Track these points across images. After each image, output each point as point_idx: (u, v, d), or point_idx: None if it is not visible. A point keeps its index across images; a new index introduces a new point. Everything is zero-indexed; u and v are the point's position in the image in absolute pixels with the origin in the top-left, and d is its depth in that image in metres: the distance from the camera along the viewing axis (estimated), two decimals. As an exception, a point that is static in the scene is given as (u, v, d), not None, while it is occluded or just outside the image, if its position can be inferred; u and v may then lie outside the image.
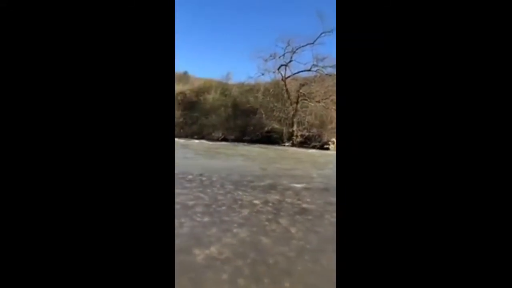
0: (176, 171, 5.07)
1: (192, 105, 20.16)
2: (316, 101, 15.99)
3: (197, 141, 15.52)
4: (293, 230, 2.61)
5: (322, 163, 8.57)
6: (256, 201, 3.55)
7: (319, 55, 16.62)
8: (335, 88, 11.05)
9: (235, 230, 2.49)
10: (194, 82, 24.24)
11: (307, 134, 15.65)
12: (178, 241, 2.21)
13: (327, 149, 13.84)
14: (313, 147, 14.37)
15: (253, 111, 17.77)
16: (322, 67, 16.47)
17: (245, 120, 17.73)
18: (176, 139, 15.86)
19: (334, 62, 13.90)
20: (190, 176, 4.85)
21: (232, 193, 3.91)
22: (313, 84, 16.69)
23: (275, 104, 17.13)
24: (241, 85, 19.85)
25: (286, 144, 15.50)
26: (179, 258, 1.92)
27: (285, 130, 16.19)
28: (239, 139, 16.58)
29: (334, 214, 2.28)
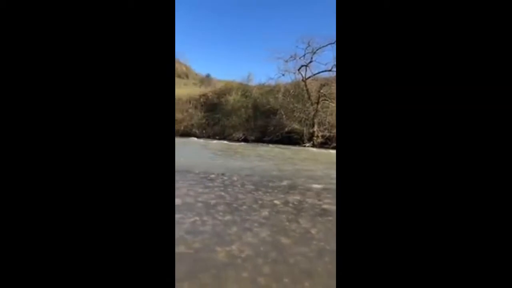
0: (197, 171, 5.15)
1: (214, 106, 20.50)
2: (337, 101, 15.64)
3: (214, 141, 15.73)
4: (313, 231, 2.60)
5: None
6: (276, 201, 3.56)
7: (340, 55, 16.29)
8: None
9: (255, 230, 2.52)
10: (216, 84, 24.73)
11: (328, 134, 15.39)
12: (200, 238, 2.28)
13: (349, 150, 13.48)
14: (334, 148, 14.09)
15: (273, 112, 17.76)
16: (344, 67, 16.09)
17: (265, 121, 17.74)
18: (196, 139, 16.23)
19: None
20: (212, 175, 4.96)
21: (252, 193, 3.94)
22: (333, 84, 16.36)
23: (296, 105, 17.00)
24: (261, 86, 19.93)
25: (307, 144, 15.33)
26: (201, 255, 1.98)
27: (305, 130, 16.02)
28: (259, 140, 16.62)
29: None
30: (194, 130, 19.34)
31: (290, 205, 3.45)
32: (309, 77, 17.29)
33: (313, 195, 4.02)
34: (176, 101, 21.74)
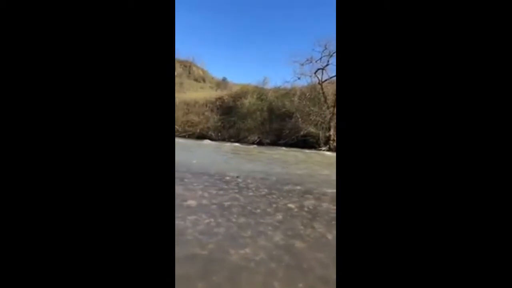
0: (212, 172, 5.20)
1: (230, 109, 20.73)
2: (355, 105, 15.39)
3: (228, 143, 15.81)
4: (329, 236, 2.54)
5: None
6: (291, 205, 3.52)
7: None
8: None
9: (269, 233, 2.50)
10: (232, 87, 25.04)
11: (345, 138, 15.14)
12: (214, 240, 2.28)
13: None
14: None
15: (289, 115, 17.70)
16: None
17: (280, 124, 17.72)
18: (209, 142, 16.39)
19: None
20: (227, 178, 4.98)
21: (267, 196, 3.92)
22: (351, 87, 16.11)
23: (312, 108, 16.87)
24: (277, 90, 19.97)
25: (323, 148, 15.14)
26: (214, 256, 1.99)
27: (321, 134, 15.85)
28: (274, 143, 16.60)
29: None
30: (210, 132, 19.60)
31: (305, 209, 3.41)
32: (326, 80, 17.14)
33: (328, 199, 3.95)
34: (192, 104, 22.16)
